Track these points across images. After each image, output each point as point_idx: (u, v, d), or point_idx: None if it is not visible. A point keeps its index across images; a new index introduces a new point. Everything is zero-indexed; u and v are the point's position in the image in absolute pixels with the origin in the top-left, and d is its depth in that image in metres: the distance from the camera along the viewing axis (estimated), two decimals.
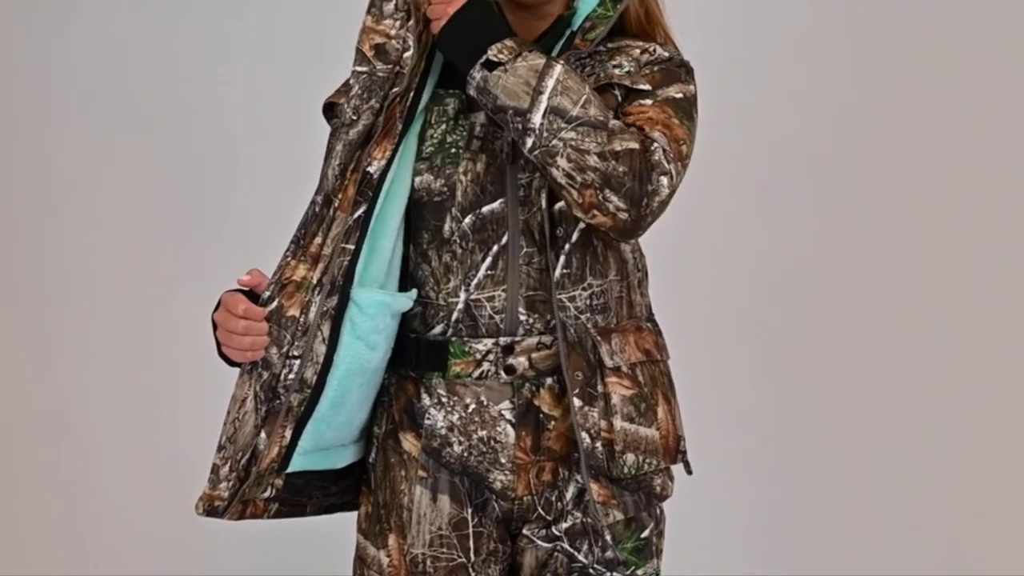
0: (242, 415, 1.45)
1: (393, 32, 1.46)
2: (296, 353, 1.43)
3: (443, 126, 1.48)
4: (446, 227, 1.46)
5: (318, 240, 1.45)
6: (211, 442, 1.46)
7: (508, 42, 1.39)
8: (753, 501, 2.85)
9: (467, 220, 1.45)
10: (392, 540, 1.50)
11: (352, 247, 1.43)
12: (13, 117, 2.93)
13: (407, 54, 1.45)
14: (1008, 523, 2.85)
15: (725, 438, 2.65)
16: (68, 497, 2.94)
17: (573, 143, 1.34)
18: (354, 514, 1.58)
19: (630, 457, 1.46)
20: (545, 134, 1.35)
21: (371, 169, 1.44)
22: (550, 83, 1.36)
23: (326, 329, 1.43)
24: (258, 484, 1.46)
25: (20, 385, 2.96)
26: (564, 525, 1.49)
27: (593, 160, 1.34)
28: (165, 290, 2.90)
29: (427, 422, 1.48)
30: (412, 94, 1.46)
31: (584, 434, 1.43)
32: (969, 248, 2.84)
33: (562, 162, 1.35)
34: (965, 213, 2.83)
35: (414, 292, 1.49)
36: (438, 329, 1.48)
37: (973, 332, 2.87)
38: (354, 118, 1.46)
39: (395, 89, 1.45)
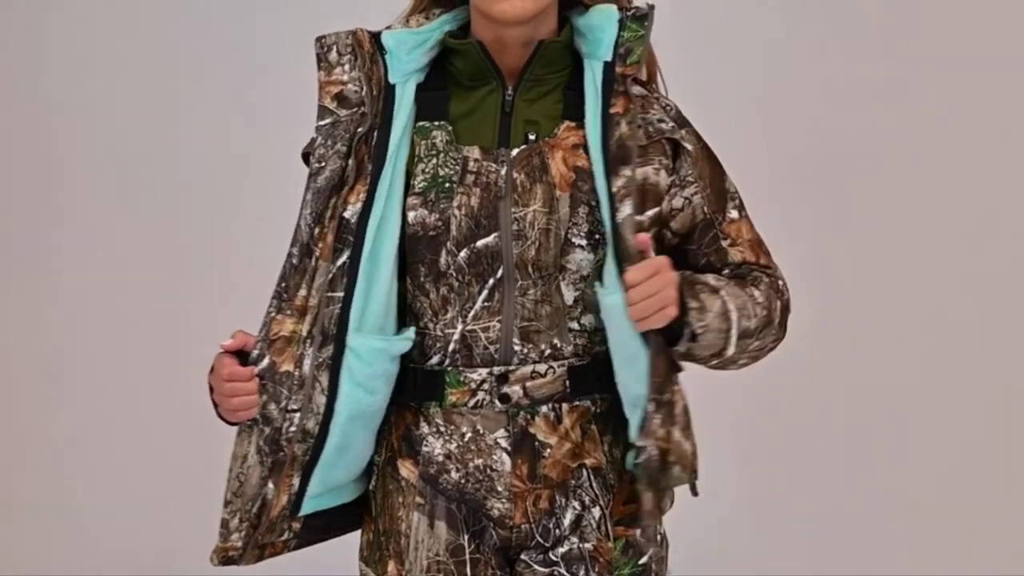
0: (246, 469, 1.48)
1: (346, 77, 1.50)
2: (295, 407, 1.46)
3: (433, 160, 1.48)
4: (442, 261, 1.46)
5: (302, 292, 1.47)
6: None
7: (693, 303, 1.41)
8: (751, 502, 2.86)
9: (462, 254, 1.45)
10: (391, 567, 1.52)
11: (340, 295, 1.45)
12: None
13: (364, 92, 1.48)
14: (1007, 523, 2.86)
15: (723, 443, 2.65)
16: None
17: (754, 349, 1.50)
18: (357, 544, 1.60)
19: (676, 470, 1.40)
20: (735, 357, 1.48)
21: (347, 214, 1.46)
22: (733, 317, 1.44)
23: (324, 379, 1.45)
24: (271, 531, 1.49)
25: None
26: (561, 550, 1.50)
27: (769, 346, 1.53)
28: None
29: (424, 449, 1.50)
30: (377, 132, 1.48)
31: (651, 441, 1.39)
32: (956, 250, 2.87)
33: (743, 361, 1.52)
34: (947, 218, 2.86)
35: (412, 332, 1.50)
36: (435, 359, 1.49)
37: (971, 332, 2.89)
38: (320, 165, 1.48)
39: (360, 129, 1.47)
